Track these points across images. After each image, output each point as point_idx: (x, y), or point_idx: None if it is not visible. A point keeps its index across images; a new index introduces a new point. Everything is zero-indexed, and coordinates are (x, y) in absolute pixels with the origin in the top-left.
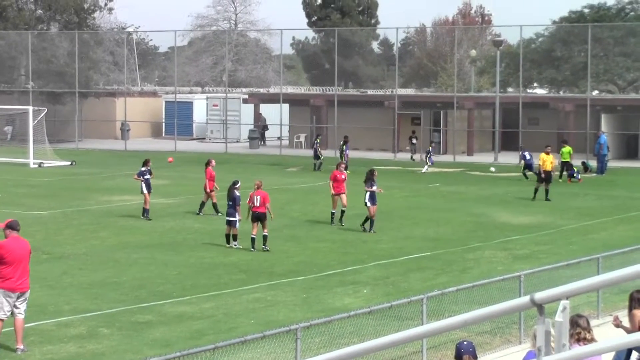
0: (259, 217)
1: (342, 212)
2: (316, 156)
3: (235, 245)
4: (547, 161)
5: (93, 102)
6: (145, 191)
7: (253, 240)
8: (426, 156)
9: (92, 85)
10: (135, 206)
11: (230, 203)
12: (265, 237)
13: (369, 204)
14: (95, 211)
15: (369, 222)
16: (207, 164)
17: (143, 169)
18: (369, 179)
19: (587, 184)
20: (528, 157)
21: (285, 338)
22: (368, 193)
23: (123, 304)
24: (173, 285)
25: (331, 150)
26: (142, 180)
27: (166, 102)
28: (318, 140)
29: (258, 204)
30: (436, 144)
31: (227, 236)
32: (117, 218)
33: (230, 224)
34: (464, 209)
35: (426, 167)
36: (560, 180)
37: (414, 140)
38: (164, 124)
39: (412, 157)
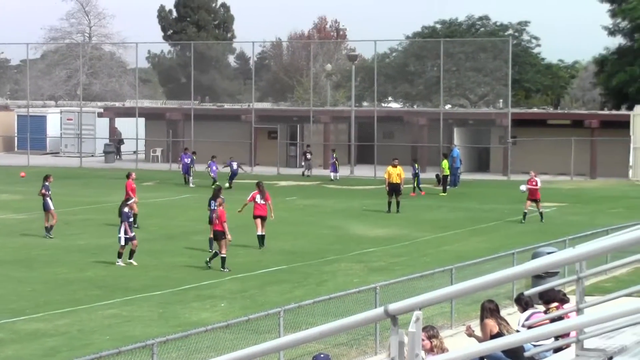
0: (216, 236)
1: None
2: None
3: (130, 261)
4: (394, 174)
5: None
6: (52, 207)
7: (218, 258)
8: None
9: None
10: None
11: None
12: (223, 259)
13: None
14: None
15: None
16: (127, 176)
17: (47, 183)
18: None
19: (438, 196)
20: (235, 167)
21: (142, 354)
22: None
23: None
24: (26, 302)
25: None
26: (48, 196)
27: (18, 115)
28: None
29: (217, 222)
30: (292, 157)
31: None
32: None
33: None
34: (320, 222)
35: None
36: (445, 194)
37: (309, 156)
38: (16, 138)
39: (304, 173)
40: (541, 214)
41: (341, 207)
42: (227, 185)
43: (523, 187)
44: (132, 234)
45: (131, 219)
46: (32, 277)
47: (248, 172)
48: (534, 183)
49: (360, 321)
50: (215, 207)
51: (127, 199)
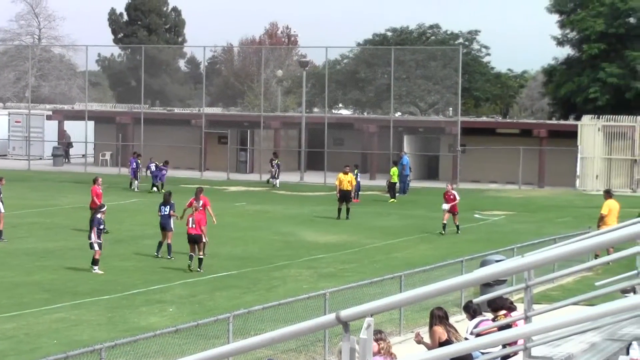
0: (194, 240)
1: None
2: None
3: (95, 270)
4: (345, 181)
5: None
6: (2, 210)
7: (190, 257)
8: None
9: None
10: None
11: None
12: (200, 260)
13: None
14: None
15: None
16: (94, 181)
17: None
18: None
19: (388, 203)
20: (154, 168)
21: (90, 358)
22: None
23: None
24: None
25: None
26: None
27: None
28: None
29: (193, 226)
30: (242, 163)
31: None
32: None
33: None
34: (270, 228)
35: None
36: (394, 201)
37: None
38: None
39: (269, 180)
40: (457, 226)
41: (291, 213)
42: (153, 189)
43: (445, 207)
44: (100, 242)
45: (102, 226)
46: None
47: (198, 177)
48: (451, 197)
49: (311, 327)
50: (166, 213)
51: (101, 205)
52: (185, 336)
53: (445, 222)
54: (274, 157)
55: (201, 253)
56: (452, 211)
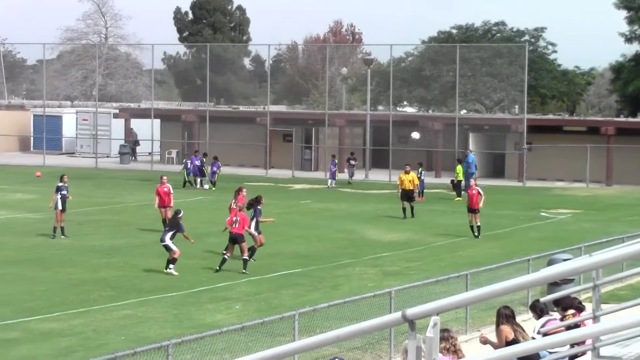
0: (234, 239)
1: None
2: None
3: (170, 269)
4: (406, 180)
5: None
6: (60, 207)
7: (223, 260)
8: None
9: None
10: (3, 221)
11: (167, 229)
12: (244, 261)
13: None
14: None
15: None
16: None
17: (60, 184)
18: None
19: (453, 201)
20: (198, 163)
21: (157, 355)
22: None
23: None
24: (41, 301)
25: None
26: (59, 197)
27: (34, 115)
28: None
29: (237, 226)
30: (306, 160)
31: (167, 260)
32: None
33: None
34: (334, 226)
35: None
36: (459, 200)
37: (353, 162)
38: (32, 138)
39: (349, 180)
40: (478, 227)
41: (354, 211)
42: (206, 187)
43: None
44: (166, 243)
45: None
46: (46, 276)
47: (262, 175)
48: (474, 191)
49: (377, 325)
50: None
51: (177, 211)
52: (251, 333)
53: (472, 224)
54: (351, 157)
55: (245, 254)
56: (473, 208)
